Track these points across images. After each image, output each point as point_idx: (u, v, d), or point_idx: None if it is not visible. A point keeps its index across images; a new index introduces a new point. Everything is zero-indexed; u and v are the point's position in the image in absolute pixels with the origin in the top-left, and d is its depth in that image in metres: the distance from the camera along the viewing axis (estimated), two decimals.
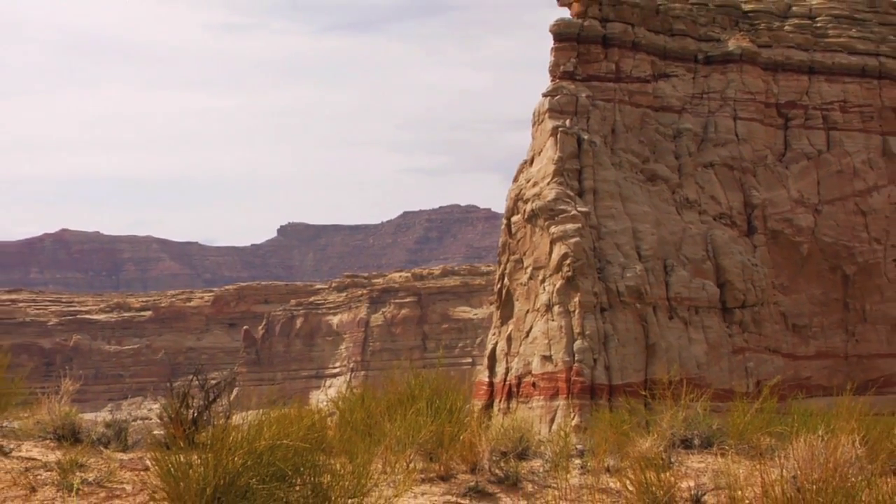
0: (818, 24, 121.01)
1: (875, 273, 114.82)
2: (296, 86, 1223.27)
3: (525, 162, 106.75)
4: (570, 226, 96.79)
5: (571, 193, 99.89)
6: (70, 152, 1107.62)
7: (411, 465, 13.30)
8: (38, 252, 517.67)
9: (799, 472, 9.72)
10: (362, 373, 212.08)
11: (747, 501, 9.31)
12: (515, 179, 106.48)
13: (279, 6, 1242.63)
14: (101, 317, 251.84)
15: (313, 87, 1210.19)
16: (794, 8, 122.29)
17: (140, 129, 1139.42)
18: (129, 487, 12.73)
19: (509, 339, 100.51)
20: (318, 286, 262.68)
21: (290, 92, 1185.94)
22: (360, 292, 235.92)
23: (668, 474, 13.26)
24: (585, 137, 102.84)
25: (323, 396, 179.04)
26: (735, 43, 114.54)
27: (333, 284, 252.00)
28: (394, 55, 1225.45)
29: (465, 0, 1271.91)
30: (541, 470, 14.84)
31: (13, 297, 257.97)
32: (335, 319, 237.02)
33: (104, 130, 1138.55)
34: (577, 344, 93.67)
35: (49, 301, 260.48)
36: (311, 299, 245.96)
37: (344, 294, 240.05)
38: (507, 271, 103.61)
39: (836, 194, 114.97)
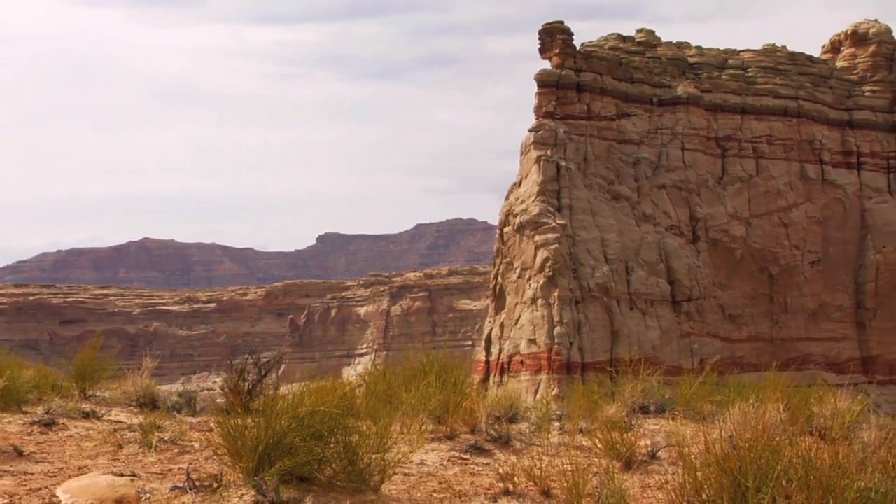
0: (749, 74, 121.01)
1: (795, 273, 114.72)
2: (333, 123, 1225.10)
3: (515, 184, 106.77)
4: (550, 235, 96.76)
5: (552, 209, 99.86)
6: (151, 175, 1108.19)
7: (423, 427, 13.28)
8: (125, 256, 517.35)
9: (734, 433, 9.68)
10: (384, 353, 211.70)
11: (693, 456, 9.27)
12: (507, 198, 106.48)
13: (321, 59, 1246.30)
14: (175, 308, 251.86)
15: (347, 123, 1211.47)
16: (729, 61, 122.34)
17: (208, 157, 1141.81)
18: (197, 445, 12.72)
19: (502, 326, 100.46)
20: (349, 283, 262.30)
21: (329, 127, 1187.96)
22: (382, 288, 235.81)
23: (629, 434, 13.22)
24: (563, 164, 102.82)
25: (353, 372, 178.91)
26: (683, 89, 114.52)
27: (361, 282, 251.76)
28: (411, 99, 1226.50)
29: (469, 55, 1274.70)
30: (527, 431, 14.82)
31: (105, 292, 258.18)
32: (362, 310, 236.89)
33: (179, 158, 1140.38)
34: (557, 330, 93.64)
35: (133, 295, 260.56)
36: (343, 294, 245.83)
37: (369, 290, 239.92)
38: (500, 271, 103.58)
39: (764, 210, 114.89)
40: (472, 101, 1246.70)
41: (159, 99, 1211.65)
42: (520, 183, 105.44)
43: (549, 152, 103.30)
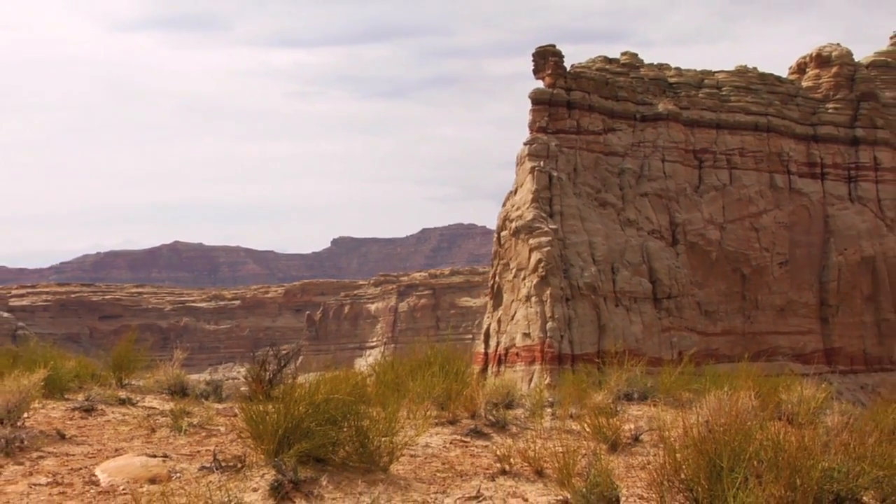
0: (723, 92, 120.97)
1: (765, 273, 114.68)
2: (347, 137, 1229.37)
3: (511, 192, 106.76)
4: (543, 239, 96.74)
5: (544, 215, 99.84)
6: (182, 184, 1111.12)
7: (428, 413, 13.26)
8: (158, 257, 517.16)
9: (710, 418, 9.67)
10: (392, 346, 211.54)
11: (673, 439, 9.26)
12: (504, 205, 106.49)
13: (337, 79, 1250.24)
14: (203, 304, 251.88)
15: (359, 137, 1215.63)
16: (706, 80, 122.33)
17: (233, 167, 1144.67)
18: (223, 429, 12.72)
19: (499, 321, 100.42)
20: (361, 282, 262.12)
21: (343, 141, 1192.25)
22: (391, 287, 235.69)
23: (615, 419, 13.20)
24: (554, 174, 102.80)
25: (364, 363, 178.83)
26: (663, 106, 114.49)
27: (371, 281, 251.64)
28: (418, 115, 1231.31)
29: (471, 74, 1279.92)
30: (522, 416, 14.80)
31: (140, 290, 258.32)
32: (373, 307, 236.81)
33: (207, 168, 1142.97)
34: (549, 325, 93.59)
35: (165, 293, 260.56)
36: (355, 292, 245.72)
37: (379, 288, 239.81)
38: (498, 271, 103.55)
39: (736, 216, 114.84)
40: (472, 117, 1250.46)
41: (190, 115, 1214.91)
42: (515, 191, 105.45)
43: (542, 163, 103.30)
